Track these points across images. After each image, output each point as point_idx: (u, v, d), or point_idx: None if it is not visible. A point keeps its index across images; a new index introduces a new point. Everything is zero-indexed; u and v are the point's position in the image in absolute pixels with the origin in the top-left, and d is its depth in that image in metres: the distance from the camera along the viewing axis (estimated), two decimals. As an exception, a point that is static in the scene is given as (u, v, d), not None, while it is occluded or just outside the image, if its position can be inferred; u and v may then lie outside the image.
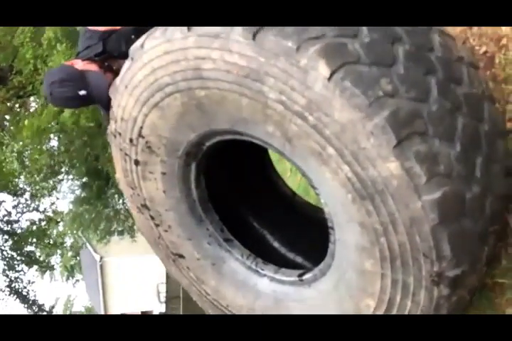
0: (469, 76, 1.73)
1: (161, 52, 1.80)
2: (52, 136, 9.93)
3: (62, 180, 11.88)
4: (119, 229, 12.74)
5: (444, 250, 1.57)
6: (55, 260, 15.86)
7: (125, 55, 2.00)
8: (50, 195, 12.48)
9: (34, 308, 13.09)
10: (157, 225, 2.32)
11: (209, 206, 2.29)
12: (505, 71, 2.10)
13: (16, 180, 11.19)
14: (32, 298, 12.98)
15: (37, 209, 12.65)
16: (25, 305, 12.96)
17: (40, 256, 13.54)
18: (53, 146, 10.54)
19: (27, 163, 10.09)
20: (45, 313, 13.41)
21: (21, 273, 12.60)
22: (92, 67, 2.59)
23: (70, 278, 22.69)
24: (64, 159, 10.46)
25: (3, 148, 9.72)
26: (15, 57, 8.63)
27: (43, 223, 12.67)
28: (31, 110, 9.51)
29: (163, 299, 19.94)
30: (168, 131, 1.99)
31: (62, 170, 11.05)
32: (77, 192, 12.24)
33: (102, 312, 23.55)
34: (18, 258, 12.43)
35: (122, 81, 1.98)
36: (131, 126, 2.05)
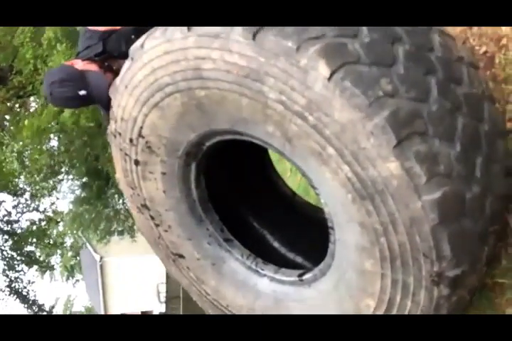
0: (469, 76, 1.73)
1: (161, 52, 1.80)
2: (52, 136, 9.92)
3: (62, 180, 11.88)
4: (119, 229, 12.74)
5: (444, 250, 1.57)
6: (55, 260, 15.88)
7: (125, 55, 1.99)
8: (50, 195, 12.49)
9: (34, 308, 13.09)
10: (157, 225, 2.32)
11: (209, 206, 2.29)
12: (505, 71, 2.10)
13: (16, 180, 11.18)
14: (32, 298, 12.98)
15: (37, 209, 12.66)
16: (25, 305, 12.96)
17: (40, 256, 13.54)
18: (53, 146, 10.54)
19: (27, 163, 10.09)
20: (45, 313, 13.41)
21: (21, 273, 12.60)
22: (92, 67, 2.59)
23: (70, 278, 22.70)
24: (64, 159, 10.46)
25: (3, 148, 9.72)
26: (15, 57, 8.63)
27: (43, 223, 12.68)
28: (31, 110, 9.51)
29: (163, 299, 19.94)
30: (168, 131, 1.99)
31: (62, 170, 11.05)
32: (77, 192, 12.26)
33: (102, 312, 23.55)
34: (18, 258, 12.43)
35: (122, 81, 1.98)
36: (131, 126, 2.05)
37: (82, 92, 2.52)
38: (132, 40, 2.01)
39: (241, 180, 2.71)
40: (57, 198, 13.11)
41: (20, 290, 12.72)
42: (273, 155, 2.87)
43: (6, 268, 12.35)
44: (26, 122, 8.42)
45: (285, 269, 2.19)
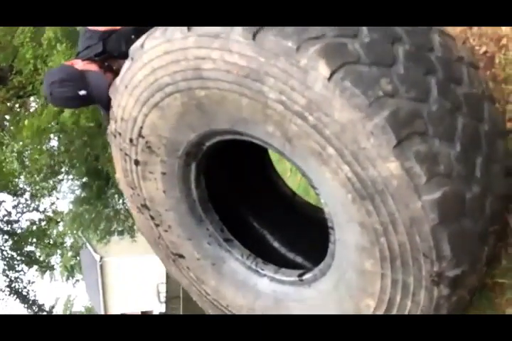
0: (469, 76, 1.73)
1: (161, 52, 1.80)
2: (52, 136, 9.92)
3: (62, 180, 11.88)
4: (119, 229, 12.74)
5: (444, 250, 1.57)
6: (55, 260, 15.87)
7: (125, 55, 1.99)
8: (50, 195, 12.49)
9: (34, 308, 13.09)
10: (157, 225, 2.32)
11: (209, 206, 2.29)
12: (505, 71, 2.10)
13: (16, 180, 11.18)
14: (32, 298, 12.98)
15: (37, 209, 12.66)
16: (25, 305, 12.96)
17: (40, 256, 13.54)
18: (53, 146, 10.54)
19: (27, 163, 10.09)
20: (45, 313, 13.41)
21: (21, 273, 12.60)
22: (92, 67, 2.59)
23: (70, 278, 22.69)
24: (64, 159, 10.46)
25: (3, 148, 9.72)
26: (15, 57, 8.63)
27: (43, 223, 12.68)
28: (31, 110, 9.50)
29: (163, 299, 19.94)
30: (168, 131, 1.99)
31: (62, 170, 11.05)
32: (77, 192, 12.26)
33: (102, 312, 23.55)
34: (18, 258, 12.44)
35: (122, 81, 1.98)
36: (131, 126, 2.05)
37: (82, 92, 2.52)
38: (132, 40, 2.01)
39: (241, 180, 2.71)
40: (57, 198, 13.12)
41: (20, 290, 12.73)
42: (273, 155, 2.87)
43: (6, 268, 12.36)
44: (26, 122, 8.41)
45: (285, 269, 2.19)
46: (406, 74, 1.57)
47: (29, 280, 12.89)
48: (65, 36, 7.70)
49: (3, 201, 12.19)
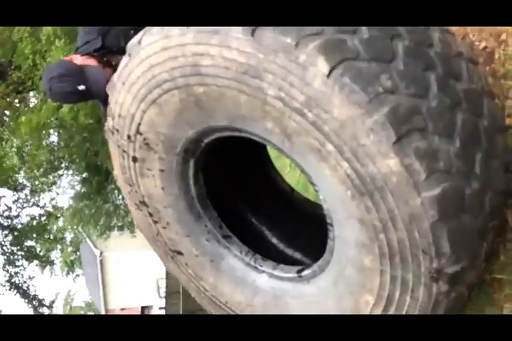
0: (469, 71, 1.72)
1: (158, 49, 1.78)
2: (52, 131, 9.92)
3: (62, 175, 11.89)
4: (119, 224, 12.76)
5: (444, 246, 1.57)
6: (55, 255, 15.90)
7: (124, 51, 1.98)
8: (49, 191, 12.50)
9: (34, 303, 13.13)
10: (155, 222, 2.32)
11: (207, 203, 2.28)
12: (504, 66, 2.10)
13: (16, 175, 11.19)
14: (32, 293, 13.01)
15: (37, 205, 12.68)
16: (26, 300, 13.00)
17: (40, 251, 13.57)
18: (53, 142, 10.53)
19: (26, 158, 10.09)
20: (45, 308, 13.46)
21: (21, 268, 12.64)
22: (91, 62, 2.58)
23: (70, 273, 22.72)
24: (64, 154, 10.45)
25: (3, 143, 9.71)
26: (14, 53, 8.61)
27: (43, 218, 12.70)
28: (31, 105, 9.49)
29: (163, 294, 19.98)
30: (167, 127, 1.98)
31: (62, 165, 11.05)
32: (77, 187, 12.26)
33: (102, 307, 23.63)
34: (19, 253, 12.46)
35: (120, 77, 1.97)
36: (128, 123, 2.04)
37: (81, 87, 2.51)
38: (131, 36, 2.00)
39: (239, 177, 2.71)
40: (57, 193, 13.13)
41: (20, 285, 12.76)
42: (272, 151, 2.86)
43: (6, 263, 12.39)
44: (24, 119, 8.40)
45: (284, 265, 2.19)
46: (405, 70, 1.56)
47: (29, 275, 12.93)
48: (64, 32, 7.69)
49: (3, 196, 12.23)
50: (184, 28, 1.71)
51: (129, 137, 2.09)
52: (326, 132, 1.56)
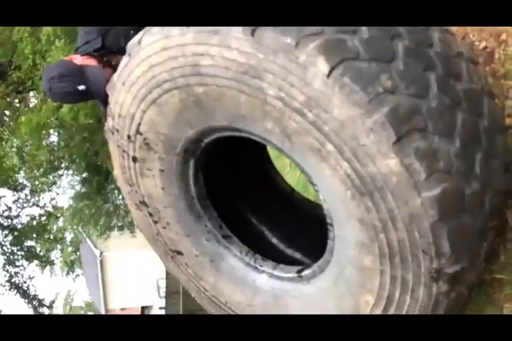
0: (468, 71, 1.72)
1: (158, 49, 1.78)
2: (52, 131, 9.91)
3: (62, 175, 11.88)
4: (119, 224, 12.76)
5: (444, 246, 1.57)
6: (55, 255, 15.90)
7: (124, 51, 1.98)
8: (49, 191, 12.50)
9: (34, 303, 13.13)
10: (155, 222, 2.32)
11: (207, 203, 2.28)
12: (504, 66, 2.10)
13: (16, 175, 11.19)
14: (32, 293, 13.02)
15: (37, 205, 12.68)
16: (26, 300, 13.00)
17: (40, 251, 13.57)
18: (53, 141, 10.53)
19: (26, 158, 10.09)
20: (45, 308, 13.46)
21: (21, 268, 12.64)
22: (91, 62, 2.58)
23: (70, 273, 22.72)
24: (64, 154, 10.45)
25: (3, 143, 9.71)
26: (14, 53, 8.61)
27: (43, 218, 12.70)
28: (31, 106, 9.49)
29: (163, 294, 19.98)
30: (167, 127, 1.98)
31: (62, 165, 11.04)
32: (77, 187, 12.26)
33: (102, 307, 23.62)
34: (19, 253, 12.47)
35: (120, 77, 1.97)
36: (128, 123, 2.04)
37: (81, 87, 2.50)
38: (131, 36, 2.00)
39: (239, 177, 2.71)
40: (57, 193, 13.13)
41: (20, 285, 12.76)
42: (272, 151, 2.86)
43: (6, 262, 12.39)
44: (23, 119, 8.39)
45: (284, 265, 2.19)
46: (406, 70, 1.56)
47: (29, 275, 12.93)
48: (64, 32, 7.68)
49: (3, 196, 12.23)
50: (184, 28, 1.71)
51: (129, 137, 2.09)
52: (326, 132, 1.56)
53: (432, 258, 1.58)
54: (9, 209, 12.19)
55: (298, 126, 1.61)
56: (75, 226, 12.99)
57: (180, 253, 2.35)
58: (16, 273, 12.65)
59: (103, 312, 23.93)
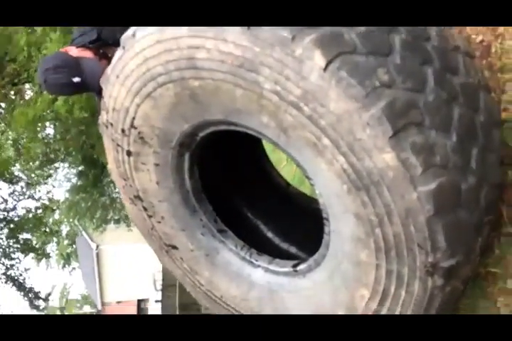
0: (465, 65, 1.72)
1: (153, 41, 1.76)
2: (48, 123, 9.88)
3: (58, 168, 11.87)
4: (115, 217, 12.77)
5: (439, 241, 1.57)
6: (51, 248, 15.91)
7: (119, 43, 1.97)
8: (45, 183, 12.49)
9: (30, 296, 13.16)
10: (150, 216, 2.31)
11: (203, 197, 2.27)
12: (501, 60, 2.09)
13: (12, 167, 11.16)
14: (28, 286, 13.04)
15: (33, 197, 12.68)
16: (22, 293, 13.03)
17: (36, 244, 13.58)
18: (49, 134, 10.51)
19: (22, 150, 10.06)
20: (41, 300, 13.49)
21: (17, 260, 12.66)
22: (87, 54, 2.57)
23: (66, 265, 22.76)
24: (60, 147, 10.42)
25: (-1, 135, 9.69)
26: (9, 44, 8.55)
27: (39, 211, 12.70)
28: (26, 98, 9.45)
29: (159, 287, 20.03)
30: (161, 121, 1.97)
31: (58, 158, 11.02)
32: (73, 180, 12.24)
33: (99, 300, 23.68)
34: (15, 245, 12.47)
35: (113, 71, 1.95)
36: (123, 117, 2.03)
37: (77, 79, 2.50)
38: (126, 28, 1.98)
39: (235, 171, 2.70)
40: (53, 186, 13.12)
41: (16, 277, 12.78)
42: (267, 145, 2.86)
43: (1, 255, 12.40)
44: (18, 111, 8.36)
45: (279, 260, 2.19)
46: (403, 64, 1.55)
47: (25, 268, 12.96)
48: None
49: (-1, 189, 12.23)
50: (179, 21, 1.69)
51: (123, 131, 2.07)
52: (323, 126, 1.56)
53: (428, 252, 1.58)
54: (5, 201, 12.19)
55: (294, 120, 1.61)
56: (71, 219, 12.99)
57: (175, 247, 2.34)
58: (12, 265, 12.66)
59: (99, 305, 23.98)
